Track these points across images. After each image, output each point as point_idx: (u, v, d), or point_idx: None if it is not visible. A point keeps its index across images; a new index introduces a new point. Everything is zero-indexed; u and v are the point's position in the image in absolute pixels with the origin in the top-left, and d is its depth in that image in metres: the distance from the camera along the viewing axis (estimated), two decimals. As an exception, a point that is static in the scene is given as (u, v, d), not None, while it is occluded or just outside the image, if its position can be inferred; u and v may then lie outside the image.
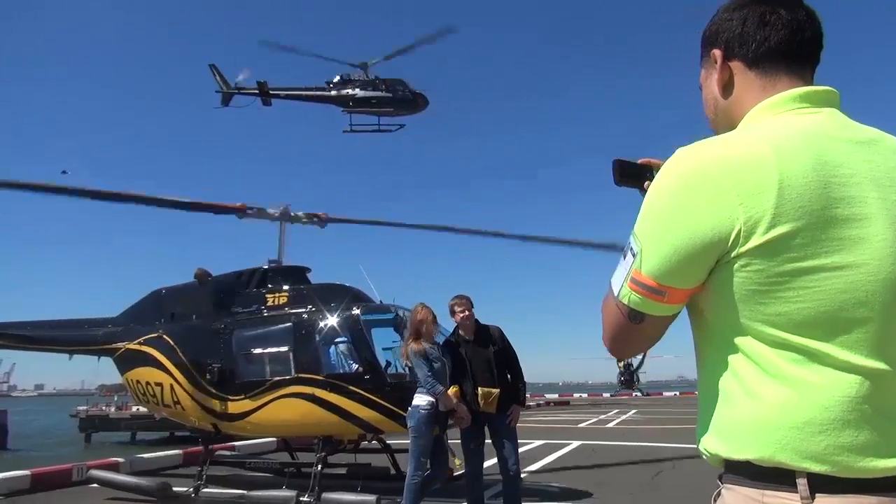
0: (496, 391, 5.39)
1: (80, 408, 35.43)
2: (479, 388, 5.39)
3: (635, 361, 55.27)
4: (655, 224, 1.09)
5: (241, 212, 8.51)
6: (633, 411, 26.49)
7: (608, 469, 9.68)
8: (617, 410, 26.95)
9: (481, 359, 5.54)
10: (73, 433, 33.43)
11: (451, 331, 5.87)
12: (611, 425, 19.15)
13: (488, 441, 5.57)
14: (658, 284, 1.08)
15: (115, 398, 38.40)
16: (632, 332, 1.17)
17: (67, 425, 35.56)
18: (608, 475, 9.00)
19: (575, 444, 13.15)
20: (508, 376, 5.61)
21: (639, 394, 49.99)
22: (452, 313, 5.70)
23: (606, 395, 51.02)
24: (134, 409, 32.25)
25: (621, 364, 55.73)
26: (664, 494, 7.64)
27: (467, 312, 5.64)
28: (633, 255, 1.10)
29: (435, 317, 5.74)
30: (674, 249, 1.05)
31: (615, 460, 10.87)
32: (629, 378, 55.31)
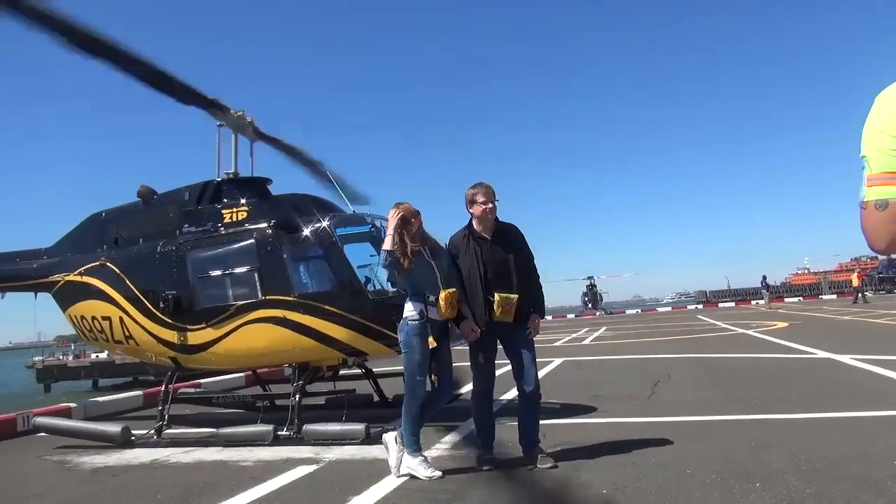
0: (515, 297, 4.55)
1: (37, 358, 34.35)
2: (496, 294, 4.55)
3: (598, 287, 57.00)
4: (865, 136, 1.37)
5: (212, 107, 7.09)
6: (604, 328, 26.66)
7: (601, 383, 9.24)
8: (587, 329, 27.01)
9: (499, 261, 4.65)
10: (30, 385, 32.35)
11: (465, 225, 4.88)
12: (587, 342, 18.98)
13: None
14: (886, 174, 1.31)
15: (73, 347, 37.50)
16: (887, 222, 1.32)
17: (24, 377, 34.37)
18: (603, 388, 8.56)
19: (558, 360, 12.78)
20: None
21: (602, 313, 51.07)
22: (471, 203, 4.72)
23: (571, 316, 51.83)
24: (93, 356, 31.38)
25: (585, 286, 57.39)
26: (672, 400, 7.21)
27: (491, 205, 4.69)
28: (863, 168, 1.36)
29: (418, 212, 4.79)
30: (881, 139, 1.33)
31: (606, 374, 10.51)
32: (593, 298, 56.68)
